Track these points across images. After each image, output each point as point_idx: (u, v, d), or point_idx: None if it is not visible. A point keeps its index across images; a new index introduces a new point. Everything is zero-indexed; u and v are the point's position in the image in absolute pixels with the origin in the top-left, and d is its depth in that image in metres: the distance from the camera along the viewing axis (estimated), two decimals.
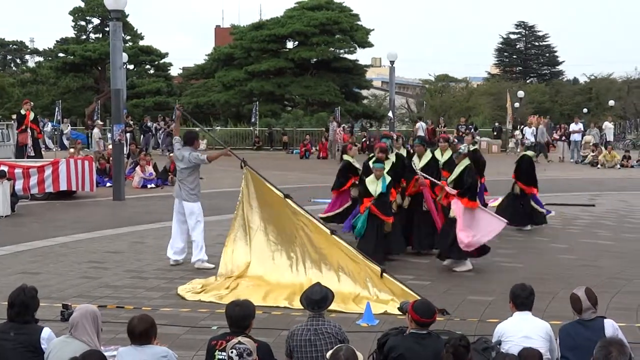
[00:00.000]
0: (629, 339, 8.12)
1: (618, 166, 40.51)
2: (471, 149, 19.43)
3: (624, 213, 22.22)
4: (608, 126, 47.33)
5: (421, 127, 49.59)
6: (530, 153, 20.22)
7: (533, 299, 8.30)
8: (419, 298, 9.87)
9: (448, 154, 16.72)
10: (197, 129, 19.71)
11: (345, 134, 48.09)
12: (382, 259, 14.46)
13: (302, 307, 8.55)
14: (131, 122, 47.88)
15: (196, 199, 14.72)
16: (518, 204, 19.26)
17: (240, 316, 7.56)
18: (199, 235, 14.59)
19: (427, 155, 16.54)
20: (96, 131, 40.86)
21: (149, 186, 29.60)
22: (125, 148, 30.72)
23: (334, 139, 46.31)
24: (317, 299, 8.10)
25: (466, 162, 14.71)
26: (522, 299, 8.27)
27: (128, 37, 74.79)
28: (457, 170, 14.64)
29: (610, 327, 7.84)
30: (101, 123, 44.01)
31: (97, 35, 77.64)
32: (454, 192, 14.48)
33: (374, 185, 14.50)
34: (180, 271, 14.30)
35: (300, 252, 12.87)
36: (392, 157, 15.79)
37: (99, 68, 72.04)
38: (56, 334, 7.95)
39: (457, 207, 14.33)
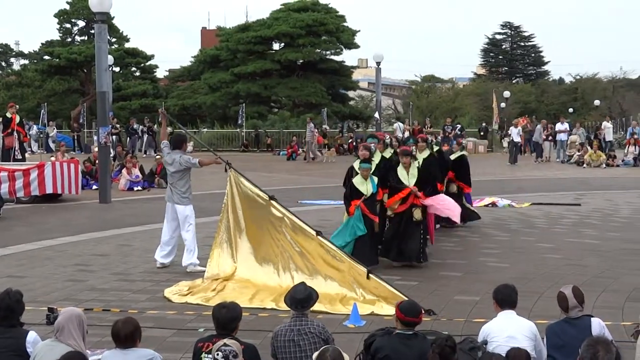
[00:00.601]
0: (615, 338, 8.14)
1: (604, 165, 40.63)
2: (459, 154, 19.58)
3: (609, 212, 22.28)
4: (607, 126, 47.38)
5: (399, 128, 49.66)
6: (465, 153, 20.58)
7: (516, 297, 8.31)
8: (406, 299, 9.89)
9: (425, 154, 16.94)
10: (183, 132, 19.68)
11: (320, 136, 48.16)
12: (376, 257, 14.53)
13: (288, 309, 8.53)
14: (117, 125, 47.83)
15: (188, 202, 14.68)
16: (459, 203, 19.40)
17: (227, 318, 7.55)
18: (192, 239, 14.55)
19: (426, 153, 17.03)
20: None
21: (135, 189, 29.53)
22: (111, 150, 30.64)
23: (311, 140, 46.24)
24: (301, 297, 8.12)
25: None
26: (504, 296, 8.28)
27: (114, 40, 74.62)
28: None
29: (597, 325, 7.86)
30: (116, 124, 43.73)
31: (82, 38, 77.45)
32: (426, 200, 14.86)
33: (364, 186, 14.47)
34: (166, 274, 14.26)
35: (285, 255, 12.85)
36: (376, 159, 15.76)
37: (85, 71, 71.84)
38: (42, 337, 7.92)
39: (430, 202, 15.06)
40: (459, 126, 53.90)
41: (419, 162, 16.03)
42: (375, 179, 14.68)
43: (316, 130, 47.56)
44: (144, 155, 45.00)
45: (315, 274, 12.38)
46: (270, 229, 13.06)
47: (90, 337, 8.31)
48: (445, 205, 15.27)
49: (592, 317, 8.06)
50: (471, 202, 20.55)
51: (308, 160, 45.40)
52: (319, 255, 12.40)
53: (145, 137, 49.81)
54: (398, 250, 14.89)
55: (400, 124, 50.40)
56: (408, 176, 14.91)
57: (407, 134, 45.58)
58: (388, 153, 16.68)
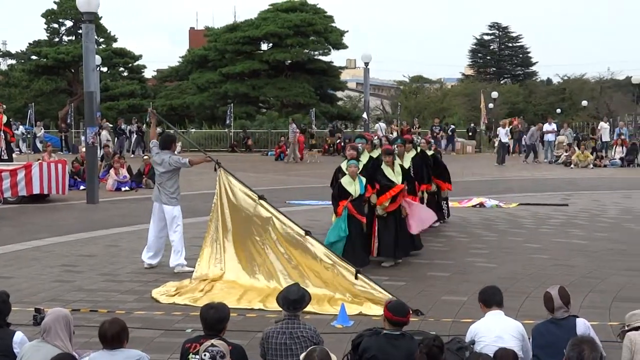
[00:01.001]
0: (601, 338, 8.18)
1: (591, 166, 40.75)
2: (430, 153, 19.51)
3: (596, 212, 22.34)
4: (604, 126, 47.46)
5: (380, 128, 49.63)
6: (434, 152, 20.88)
7: (501, 297, 8.35)
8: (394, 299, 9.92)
9: (412, 154, 17.13)
10: (173, 132, 19.66)
11: (301, 136, 48.05)
12: (367, 258, 14.54)
13: (276, 309, 8.53)
14: (110, 125, 47.74)
15: (176, 202, 14.65)
16: (434, 201, 19.50)
17: (215, 319, 7.54)
18: (179, 239, 14.52)
19: (412, 153, 17.30)
20: (104, 133, 40.65)
21: (123, 189, 29.48)
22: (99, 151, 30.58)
23: (293, 141, 46.05)
24: (294, 298, 8.08)
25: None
26: (487, 296, 8.33)
27: (101, 40, 74.41)
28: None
29: (582, 325, 7.89)
30: (111, 125, 43.48)
31: (70, 38, 77.17)
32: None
33: (352, 186, 14.49)
34: (154, 274, 14.24)
35: (274, 255, 12.85)
36: (364, 159, 15.77)
37: (72, 71, 71.67)
38: (29, 338, 7.91)
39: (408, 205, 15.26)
40: (452, 127, 54.05)
41: (408, 162, 16.10)
42: (364, 179, 14.70)
43: (298, 131, 47.26)
44: (132, 156, 44.89)
45: (302, 273, 12.39)
46: (257, 231, 13.06)
47: (77, 338, 8.30)
48: (420, 216, 15.41)
49: (578, 317, 8.10)
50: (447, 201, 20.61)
51: (288, 161, 45.15)
52: (308, 255, 12.40)
53: (134, 137, 49.67)
54: (402, 247, 15.02)
55: (382, 124, 50.30)
56: (394, 174, 14.98)
57: (394, 134, 45.56)
58: (376, 153, 16.67)
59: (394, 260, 15.01)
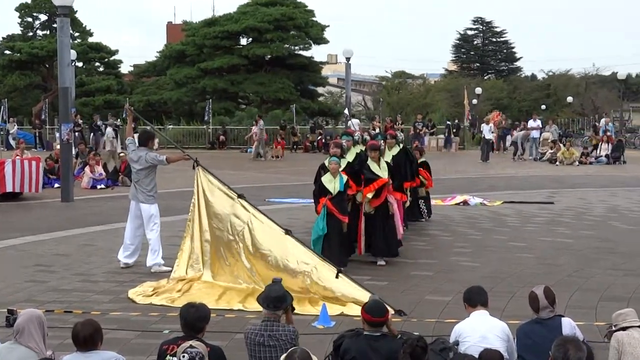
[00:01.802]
0: (588, 338, 8.20)
1: (577, 163, 40.86)
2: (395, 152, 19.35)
3: (582, 210, 22.41)
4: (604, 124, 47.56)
5: (352, 125, 49.49)
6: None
7: (485, 296, 8.35)
8: (370, 295, 9.93)
9: (395, 150, 17.08)
10: (149, 128, 19.57)
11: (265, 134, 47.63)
12: (346, 259, 14.50)
13: (256, 310, 8.49)
14: (80, 121, 47.46)
15: (154, 200, 14.60)
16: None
17: (195, 318, 7.48)
18: (156, 238, 14.47)
19: (395, 149, 17.34)
20: (109, 130, 40.37)
21: (98, 187, 29.36)
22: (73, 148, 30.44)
23: (258, 138, 45.50)
24: (275, 296, 8.05)
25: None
26: (471, 295, 8.35)
27: (76, 34, 74.19)
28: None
29: (568, 325, 7.90)
30: (117, 123, 43.16)
31: (44, 32, 76.97)
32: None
33: (332, 184, 14.47)
34: (130, 274, 14.19)
35: (252, 255, 12.80)
36: (349, 157, 15.74)
37: (47, 66, 71.41)
38: (1, 340, 7.85)
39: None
40: (450, 122, 53.98)
41: (389, 159, 16.10)
42: (345, 177, 14.66)
43: (264, 128, 46.62)
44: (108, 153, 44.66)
45: (281, 273, 12.33)
46: (234, 231, 13.01)
47: (51, 339, 8.25)
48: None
49: (563, 317, 8.11)
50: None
51: (255, 158, 44.58)
52: (287, 255, 12.36)
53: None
54: (386, 246, 14.98)
55: (355, 121, 50.04)
56: (380, 169, 14.97)
57: (377, 130, 45.53)
58: (358, 149, 16.69)
59: (383, 259, 15.00)
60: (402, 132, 47.26)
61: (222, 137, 55.12)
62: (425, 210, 20.41)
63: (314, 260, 12.18)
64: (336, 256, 13.79)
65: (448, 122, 55.74)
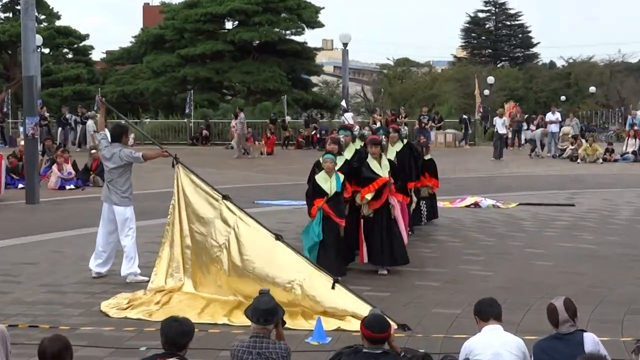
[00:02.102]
0: (613, 356, 8.20)
1: (600, 160, 40.85)
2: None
3: (607, 213, 22.44)
4: (639, 116, 47.51)
5: (346, 119, 49.47)
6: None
7: (499, 309, 8.34)
8: (371, 308, 9.92)
9: (398, 146, 17.05)
10: (124, 122, 19.60)
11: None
12: (344, 268, 14.48)
13: (243, 324, 8.47)
14: (47, 114, 47.45)
15: (129, 202, 14.59)
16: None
17: (179, 332, 7.43)
18: (132, 245, 14.46)
19: (398, 145, 17.32)
20: (90, 123, 40.29)
21: (67, 187, 29.34)
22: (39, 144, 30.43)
23: (240, 133, 45.02)
24: (265, 308, 7.98)
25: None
26: (483, 307, 8.32)
27: (42, 17, 74.19)
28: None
29: (591, 341, 7.89)
30: (98, 115, 43.02)
31: (6, 15, 76.90)
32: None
33: (328, 183, 14.42)
34: (103, 284, 14.18)
35: (239, 263, 12.78)
36: (348, 153, 15.73)
37: (9, 52, 71.45)
38: None
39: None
40: (437, 116, 54.00)
41: (393, 156, 16.10)
42: (341, 176, 14.62)
43: (245, 122, 46.21)
44: (78, 149, 44.71)
45: (271, 284, 12.33)
46: (222, 234, 13.00)
47: (14, 357, 8.25)
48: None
49: (585, 332, 8.11)
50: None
51: (239, 156, 44.25)
52: (278, 263, 12.35)
53: (79, 128, 49.43)
54: (390, 253, 14.94)
55: (349, 115, 49.98)
56: (381, 167, 14.92)
57: (377, 124, 45.58)
58: (358, 145, 16.68)
59: (385, 268, 14.98)
60: (406, 126, 47.36)
61: (205, 132, 55.12)
62: (425, 213, 20.36)
63: (307, 268, 12.16)
64: (333, 264, 13.75)
65: (465, 116, 55.58)
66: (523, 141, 50.42)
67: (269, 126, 51.69)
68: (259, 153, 46.09)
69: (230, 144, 48.04)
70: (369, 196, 14.82)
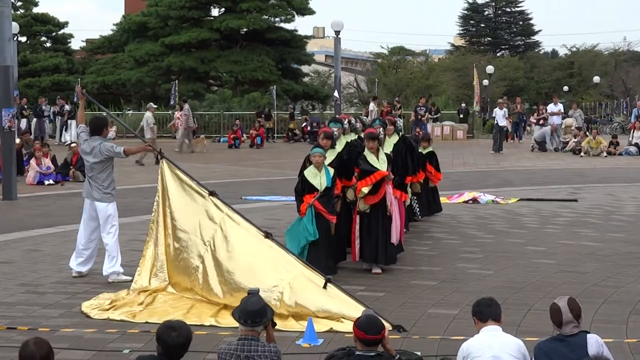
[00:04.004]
0: (617, 357, 8.24)
1: (604, 154, 40.86)
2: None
3: (611, 209, 22.48)
4: None
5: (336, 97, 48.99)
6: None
7: (498, 309, 8.35)
8: (364, 309, 9.93)
9: (394, 139, 17.05)
10: (104, 114, 19.59)
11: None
12: (334, 267, 14.49)
13: (231, 325, 8.47)
14: (26, 106, 47.41)
15: (111, 198, 14.54)
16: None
17: (179, 344, 7.40)
18: (114, 243, 14.45)
19: (394, 138, 17.16)
20: (149, 115, 39.81)
21: (46, 182, 29.33)
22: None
23: (185, 126, 43.68)
24: (253, 310, 7.94)
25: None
26: (482, 308, 8.31)
27: (19, 3, 74.07)
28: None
29: (594, 343, 7.91)
30: (154, 106, 42.38)
31: None
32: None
33: (318, 178, 14.40)
34: (84, 284, 14.18)
35: (226, 263, 12.78)
36: (339, 146, 15.72)
37: None
38: None
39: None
40: (434, 108, 53.95)
41: (390, 149, 16.10)
42: (331, 170, 14.59)
43: (190, 113, 44.49)
44: (57, 143, 44.68)
45: (260, 283, 12.34)
46: (209, 232, 13.01)
47: None
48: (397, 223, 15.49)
49: (589, 333, 8.12)
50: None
51: (182, 151, 43.12)
52: (267, 261, 12.38)
53: (58, 120, 49.39)
54: (385, 252, 14.95)
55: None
56: (378, 161, 14.88)
57: (370, 117, 45.57)
58: (349, 137, 16.65)
59: (379, 266, 15.00)
60: (401, 118, 47.35)
61: (194, 125, 55.00)
62: (418, 209, 20.38)
63: (297, 268, 12.19)
64: (323, 263, 13.75)
65: (463, 105, 55.59)
66: (532, 140, 50.14)
67: (257, 119, 51.66)
68: (204, 148, 44.88)
69: (223, 138, 47.83)
70: (365, 190, 14.76)
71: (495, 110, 46.34)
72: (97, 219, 14.52)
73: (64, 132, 48.47)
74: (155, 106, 42.99)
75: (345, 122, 17.30)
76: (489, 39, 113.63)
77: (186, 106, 44.27)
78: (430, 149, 20.92)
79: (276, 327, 8.76)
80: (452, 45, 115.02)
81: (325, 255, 14.27)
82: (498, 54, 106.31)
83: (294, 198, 15.50)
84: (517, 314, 11.81)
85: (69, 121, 47.64)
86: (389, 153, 15.72)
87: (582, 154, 41.00)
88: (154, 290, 13.17)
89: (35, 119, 48.02)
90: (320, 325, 11.27)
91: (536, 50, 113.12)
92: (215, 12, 68.35)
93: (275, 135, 53.44)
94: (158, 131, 53.88)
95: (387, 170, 14.82)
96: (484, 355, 7.91)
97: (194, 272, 13.00)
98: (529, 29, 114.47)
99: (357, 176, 14.99)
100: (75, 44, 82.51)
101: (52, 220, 20.90)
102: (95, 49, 79.08)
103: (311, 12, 68.08)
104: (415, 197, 20.22)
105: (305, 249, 14.22)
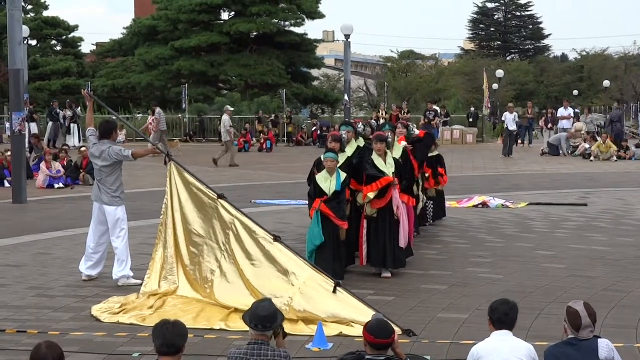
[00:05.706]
0: None
1: (614, 158, 40.83)
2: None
3: (621, 213, 22.44)
4: None
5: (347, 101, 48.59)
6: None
7: (515, 317, 8.28)
8: (374, 313, 9.91)
9: (404, 143, 17.07)
10: (114, 117, 19.60)
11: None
12: (341, 272, 14.46)
13: (241, 329, 8.46)
14: (33, 109, 47.44)
15: (120, 202, 14.55)
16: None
17: (176, 334, 7.39)
18: (124, 247, 14.45)
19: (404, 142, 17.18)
20: (226, 118, 39.55)
21: (56, 186, 29.36)
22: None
23: (162, 130, 42.41)
24: (264, 315, 7.90)
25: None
26: (501, 315, 8.24)
27: (29, 7, 74.24)
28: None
29: (605, 347, 7.87)
30: (231, 109, 42.17)
31: None
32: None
33: (328, 183, 14.40)
34: (94, 288, 14.19)
35: (236, 267, 12.79)
36: (350, 150, 15.69)
37: None
38: None
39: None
40: (444, 112, 53.90)
41: (399, 153, 16.08)
42: (343, 175, 14.58)
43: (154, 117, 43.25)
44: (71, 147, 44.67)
45: (269, 287, 12.35)
46: (215, 237, 13.02)
47: None
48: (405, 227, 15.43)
49: (600, 338, 8.10)
50: None
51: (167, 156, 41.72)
52: (276, 265, 12.38)
53: (73, 126, 49.34)
54: (393, 256, 14.92)
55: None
56: (386, 165, 14.87)
57: (381, 121, 45.61)
58: (361, 142, 16.63)
59: (388, 270, 14.98)
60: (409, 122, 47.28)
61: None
62: (432, 214, 20.38)
63: (307, 272, 12.18)
64: (330, 268, 13.72)
65: (472, 109, 55.50)
66: (544, 144, 49.95)
67: (266, 121, 51.74)
68: (179, 152, 44.14)
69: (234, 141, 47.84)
70: (371, 195, 14.77)
71: (505, 114, 46.31)
72: (106, 223, 14.52)
73: (67, 135, 48.44)
74: (232, 109, 42.82)
75: (360, 125, 17.33)
76: (499, 43, 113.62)
77: (158, 110, 43.59)
78: (436, 152, 20.86)
79: (285, 332, 8.74)
80: (462, 49, 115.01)
81: (331, 259, 14.24)
82: (508, 58, 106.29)
83: (303, 202, 15.50)
84: (527, 318, 11.76)
85: (72, 125, 47.72)
86: (397, 158, 15.68)
87: (592, 158, 40.96)
88: (164, 294, 13.16)
89: (50, 123, 48.01)
90: (330, 329, 11.26)
91: (546, 54, 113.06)
92: (225, 16, 68.43)
93: (284, 139, 53.34)
94: (168, 134, 54.13)
95: (394, 175, 14.80)
96: (495, 359, 7.89)
97: (210, 275, 13.03)
98: (539, 33, 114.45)
99: (361, 182, 14.99)
100: (86, 48, 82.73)
101: (62, 224, 20.92)
102: (106, 52, 79.18)
103: (321, 16, 68.11)
104: (431, 202, 20.20)
105: (314, 253, 14.22)
